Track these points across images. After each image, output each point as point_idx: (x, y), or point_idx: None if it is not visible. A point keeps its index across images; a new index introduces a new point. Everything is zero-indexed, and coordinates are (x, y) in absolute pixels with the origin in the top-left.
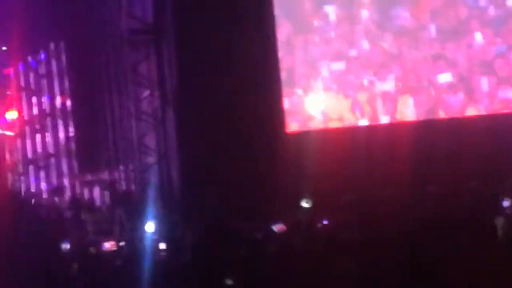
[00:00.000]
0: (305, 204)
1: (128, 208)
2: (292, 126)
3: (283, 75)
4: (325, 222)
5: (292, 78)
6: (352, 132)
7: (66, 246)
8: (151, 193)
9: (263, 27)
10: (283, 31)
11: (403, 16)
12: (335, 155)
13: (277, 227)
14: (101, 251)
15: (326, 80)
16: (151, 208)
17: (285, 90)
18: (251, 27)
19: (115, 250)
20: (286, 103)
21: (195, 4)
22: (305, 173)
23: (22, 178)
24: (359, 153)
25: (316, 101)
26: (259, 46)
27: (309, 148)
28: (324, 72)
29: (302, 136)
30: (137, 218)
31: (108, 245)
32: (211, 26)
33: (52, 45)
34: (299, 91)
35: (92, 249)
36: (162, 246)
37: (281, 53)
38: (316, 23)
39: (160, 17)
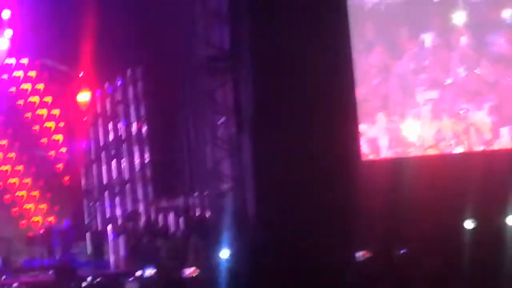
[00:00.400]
0: (388, 231)
1: (202, 235)
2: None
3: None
4: (403, 250)
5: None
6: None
7: (150, 272)
8: (226, 220)
9: (341, 55)
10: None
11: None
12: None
13: None
14: (182, 278)
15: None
16: (225, 235)
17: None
18: (329, 55)
19: (195, 276)
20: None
21: (272, 31)
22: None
23: (97, 203)
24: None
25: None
26: (336, 74)
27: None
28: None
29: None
30: (212, 245)
31: (189, 272)
32: (288, 53)
33: (129, 71)
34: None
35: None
36: (240, 272)
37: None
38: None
39: (237, 44)
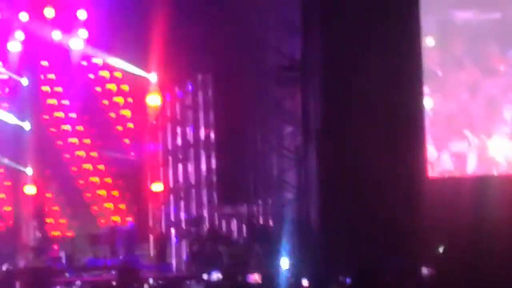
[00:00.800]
0: (441, 250)
1: (265, 243)
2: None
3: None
4: None
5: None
6: None
7: (217, 275)
8: (288, 229)
9: (413, 69)
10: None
11: None
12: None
13: None
14: (247, 283)
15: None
16: (287, 245)
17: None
18: (400, 69)
19: (259, 283)
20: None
21: (344, 43)
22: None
23: (163, 207)
24: None
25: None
26: (407, 88)
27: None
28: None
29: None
30: (274, 253)
31: (254, 278)
32: (359, 66)
33: (199, 77)
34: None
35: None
36: (305, 283)
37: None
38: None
39: (307, 54)
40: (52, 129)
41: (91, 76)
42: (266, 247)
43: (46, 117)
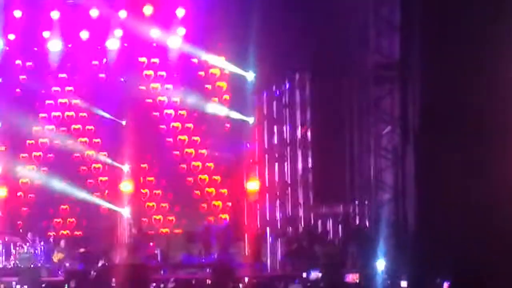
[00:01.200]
0: None
1: (361, 244)
2: None
3: None
4: None
5: None
6: None
7: (316, 274)
8: (385, 230)
9: None
10: None
11: None
12: None
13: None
14: (345, 282)
15: None
16: (384, 246)
17: None
18: (504, 70)
19: (356, 283)
20: None
21: (445, 43)
22: None
23: (258, 205)
24: None
25: None
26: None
27: None
28: None
29: None
30: (370, 254)
31: (351, 277)
32: (460, 65)
33: (297, 76)
34: None
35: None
36: (404, 284)
37: None
38: None
39: (407, 53)
40: (162, 126)
41: (189, 73)
42: (362, 248)
43: (156, 113)
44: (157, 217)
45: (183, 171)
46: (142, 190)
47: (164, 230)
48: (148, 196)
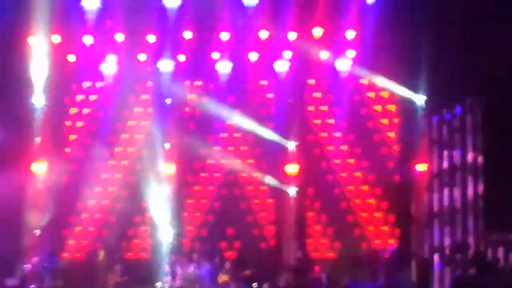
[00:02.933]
0: None
1: None
2: None
3: None
4: None
5: None
6: None
7: None
8: None
9: None
10: None
11: None
12: None
13: None
14: None
15: None
16: None
17: None
18: None
19: None
20: None
21: None
22: None
23: (426, 231)
24: None
25: None
26: None
27: None
28: None
29: None
30: None
31: None
32: None
33: (469, 100)
34: None
35: None
36: None
37: None
38: None
39: None
40: (330, 148)
41: (357, 96)
42: None
43: (324, 135)
44: (323, 241)
45: (349, 195)
46: (309, 214)
47: (329, 254)
48: (314, 220)
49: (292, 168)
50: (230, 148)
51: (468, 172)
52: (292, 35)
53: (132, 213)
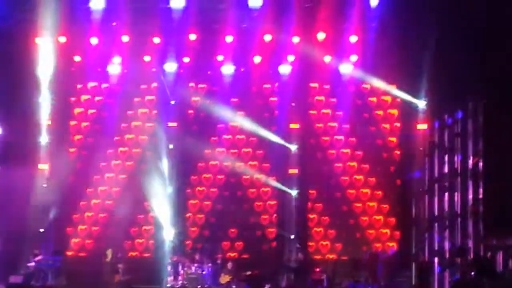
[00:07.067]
0: None
1: None
2: None
3: None
4: None
5: None
6: None
7: None
8: None
9: None
10: None
11: None
12: None
13: None
14: None
15: None
16: None
17: None
18: None
19: None
20: None
21: None
22: None
23: (426, 234)
24: None
25: None
26: None
27: None
28: None
29: None
30: None
31: None
32: None
33: (470, 105)
34: None
35: None
36: None
37: None
38: None
39: None
40: (332, 151)
41: (360, 100)
42: None
43: (326, 139)
44: (324, 243)
45: (351, 197)
46: (310, 216)
47: (330, 256)
48: (316, 222)
49: (294, 171)
50: (234, 150)
51: (468, 177)
52: (296, 39)
53: (135, 213)
